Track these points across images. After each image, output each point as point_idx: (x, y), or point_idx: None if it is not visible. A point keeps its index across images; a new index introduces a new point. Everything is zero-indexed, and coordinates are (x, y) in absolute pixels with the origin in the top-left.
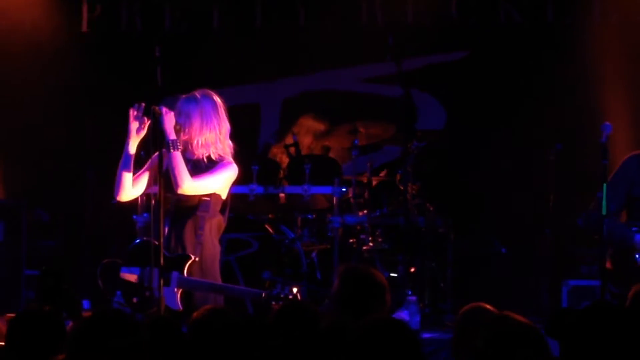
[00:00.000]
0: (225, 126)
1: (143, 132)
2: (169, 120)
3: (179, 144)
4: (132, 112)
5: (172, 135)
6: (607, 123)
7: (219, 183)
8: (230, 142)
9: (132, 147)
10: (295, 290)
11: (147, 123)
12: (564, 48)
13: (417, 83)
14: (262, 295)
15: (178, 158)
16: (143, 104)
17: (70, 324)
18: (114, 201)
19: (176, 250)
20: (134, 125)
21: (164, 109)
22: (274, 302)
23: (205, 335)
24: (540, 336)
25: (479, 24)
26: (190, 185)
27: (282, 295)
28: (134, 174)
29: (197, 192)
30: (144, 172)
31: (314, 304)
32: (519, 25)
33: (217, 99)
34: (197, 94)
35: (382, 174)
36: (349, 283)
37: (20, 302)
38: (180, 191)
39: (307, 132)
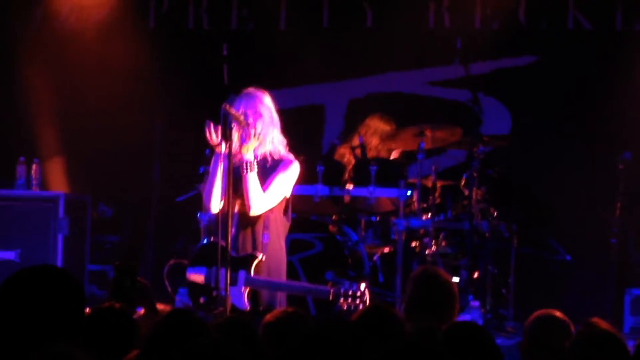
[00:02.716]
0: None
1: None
2: (253, 141)
3: (255, 165)
4: (210, 129)
5: (250, 156)
6: None
7: (288, 185)
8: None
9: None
10: (363, 286)
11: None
12: (633, 55)
13: (483, 87)
14: (329, 292)
15: (253, 180)
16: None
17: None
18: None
19: (243, 250)
20: (215, 139)
21: (245, 121)
22: (342, 299)
23: (280, 338)
24: (624, 345)
25: (547, 29)
26: (262, 206)
27: (350, 292)
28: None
29: (270, 207)
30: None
31: (395, 308)
32: (588, 32)
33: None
34: (254, 91)
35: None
36: (421, 286)
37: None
38: (252, 213)
39: (375, 133)
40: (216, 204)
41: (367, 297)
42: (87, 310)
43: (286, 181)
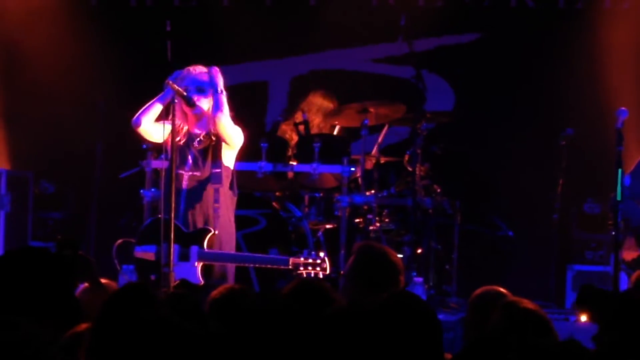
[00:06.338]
0: None
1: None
2: (220, 77)
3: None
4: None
5: (221, 87)
6: (623, 109)
7: (239, 135)
8: None
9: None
10: (322, 254)
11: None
12: (575, 33)
13: (426, 64)
14: (289, 261)
15: (225, 99)
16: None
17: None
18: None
19: (194, 226)
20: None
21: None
22: (301, 268)
23: (224, 313)
24: (548, 323)
25: (490, 7)
26: (227, 119)
27: (310, 260)
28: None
29: (228, 129)
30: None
31: (327, 282)
32: (531, 10)
33: None
34: (210, 67)
35: (373, 151)
36: (365, 261)
37: None
38: (219, 115)
39: (318, 111)
40: (147, 120)
41: (326, 264)
42: None
43: (238, 130)
